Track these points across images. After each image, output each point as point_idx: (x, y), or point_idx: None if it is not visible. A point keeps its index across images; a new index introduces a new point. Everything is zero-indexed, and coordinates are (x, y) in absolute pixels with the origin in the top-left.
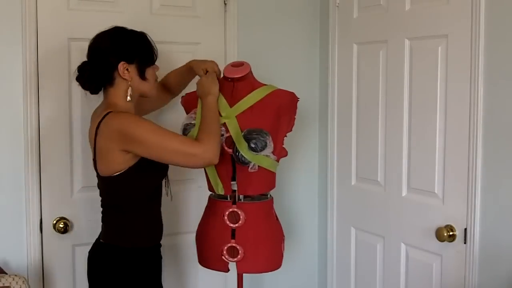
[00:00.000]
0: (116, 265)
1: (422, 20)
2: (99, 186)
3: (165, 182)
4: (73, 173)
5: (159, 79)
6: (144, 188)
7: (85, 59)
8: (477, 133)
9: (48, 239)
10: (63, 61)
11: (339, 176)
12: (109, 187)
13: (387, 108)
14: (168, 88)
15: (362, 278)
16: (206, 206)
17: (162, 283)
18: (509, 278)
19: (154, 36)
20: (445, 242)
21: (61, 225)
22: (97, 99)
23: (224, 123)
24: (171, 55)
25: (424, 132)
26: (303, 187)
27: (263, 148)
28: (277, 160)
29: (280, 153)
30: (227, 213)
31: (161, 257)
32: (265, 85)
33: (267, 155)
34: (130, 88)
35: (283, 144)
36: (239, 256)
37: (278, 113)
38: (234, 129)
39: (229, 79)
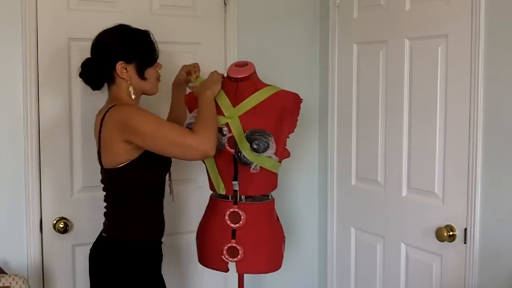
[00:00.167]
0: (119, 258)
1: (422, 20)
2: (103, 180)
3: (169, 181)
4: (73, 173)
5: (163, 76)
6: (147, 182)
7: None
8: (477, 133)
9: (48, 239)
10: (63, 61)
11: (339, 176)
12: (113, 179)
13: (387, 108)
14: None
15: (362, 278)
16: (207, 206)
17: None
18: (509, 278)
19: (154, 36)
20: (445, 242)
21: (61, 225)
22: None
23: (227, 123)
24: (171, 55)
25: (424, 132)
26: (303, 187)
27: (265, 149)
28: (279, 161)
29: (282, 154)
30: (228, 213)
31: (162, 255)
32: (269, 85)
33: (269, 156)
34: (131, 86)
35: (285, 145)
36: (239, 256)
37: (281, 114)
38: (236, 130)
39: (233, 79)
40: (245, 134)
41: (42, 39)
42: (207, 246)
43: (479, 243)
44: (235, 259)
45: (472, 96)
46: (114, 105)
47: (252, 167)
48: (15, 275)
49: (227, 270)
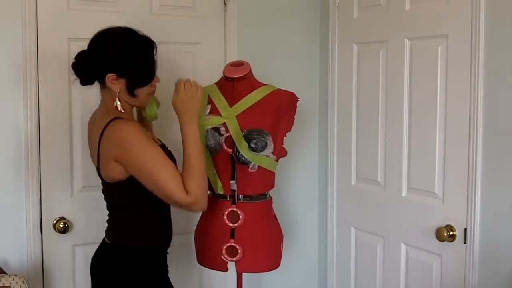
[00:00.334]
0: (123, 265)
1: (422, 20)
2: (104, 190)
3: None
4: (73, 173)
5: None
6: (150, 193)
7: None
8: (477, 133)
9: (48, 239)
10: (63, 61)
11: (339, 176)
12: (114, 191)
13: (387, 108)
14: None
15: (362, 278)
16: None
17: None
18: (509, 278)
19: (154, 36)
20: (445, 242)
21: (61, 225)
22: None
23: (224, 123)
24: (171, 55)
25: (424, 132)
26: (303, 187)
27: (263, 148)
28: (277, 160)
29: (280, 153)
30: (226, 212)
31: (166, 265)
32: (265, 85)
33: (267, 155)
34: (117, 100)
35: (282, 144)
36: (238, 256)
37: (278, 113)
38: (234, 129)
39: (229, 79)
40: (243, 133)
41: (42, 39)
42: (206, 246)
43: (479, 243)
44: (234, 258)
45: (472, 96)
46: (113, 119)
47: (250, 167)
48: (15, 275)
49: (226, 269)
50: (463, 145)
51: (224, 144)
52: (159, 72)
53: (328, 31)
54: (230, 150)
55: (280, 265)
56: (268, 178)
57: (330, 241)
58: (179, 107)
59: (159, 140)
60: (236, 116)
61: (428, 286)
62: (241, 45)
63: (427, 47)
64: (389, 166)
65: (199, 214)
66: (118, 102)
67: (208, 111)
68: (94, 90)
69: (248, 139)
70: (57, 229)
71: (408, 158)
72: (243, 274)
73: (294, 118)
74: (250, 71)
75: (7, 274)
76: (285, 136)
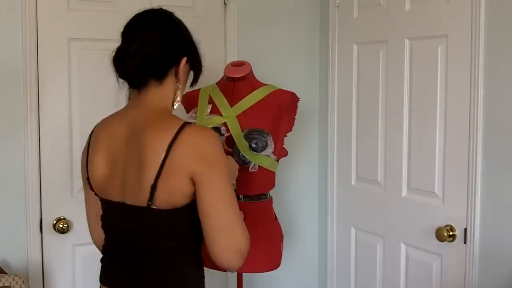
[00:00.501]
0: None
1: (422, 20)
2: (134, 224)
3: None
4: (73, 173)
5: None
6: (199, 229)
7: (86, 59)
8: (477, 133)
9: (48, 239)
10: (63, 61)
11: (339, 176)
12: (165, 223)
13: (387, 108)
14: None
15: (362, 278)
16: None
17: None
18: (509, 278)
19: None
20: (445, 242)
21: (61, 225)
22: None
23: (225, 122)
24: None
25: (424, 132)
26: (303, 187)
27: (264, 148)
28: (277, 160)
29: (280, 153)
30: None
31: None
32: (266, 85)
33: (267, 155)
34: (179, 91)
35: (283, 144)
36: None
37: (279, 113)
38: (234, 129)
39: (230, 79)
40: (243, 133)
41: (42, 39)
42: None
43: (479, 243)
44: None
45: (472, 96)
46: (187, 125)
47: (250, 166)
48: (15, 275)
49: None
50: (463, 145)
51: (224, 144)
52: None
53: (328, 31)
54: (230, 150)
55: (280, 265)
56: (268, 178)
57: (330, 241)
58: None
59: None
60: (236, 116)
61: (428, 286)
62: (241, 45)
63: (427, 47)
64: (389, 166)
65: None
66: (179, 98)
67: (209, 111)
68: (93, 90)
69: (248, 139)
70: (57, 229)
71: (408, 158)
72: (243, 274)
73: (295, 118)
74: (251, 71)
75: (7, 274)
76: (286, 136)
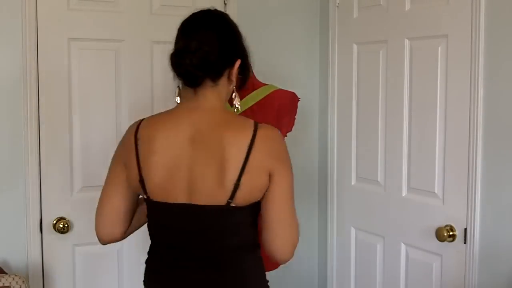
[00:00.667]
0: None
1: (422, 20)
2: (209, 223)
3: None
4: (73, 173)
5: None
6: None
7: (86, 59)
8: (477, 133)
9: (48, 239)
10: (63, 61)
11: (339, 176)
12: (242, 220)
13: (387, 108)
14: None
15: (362, 278)
16: None
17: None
18: (509, 278)
19: (154, 36)
20: (445, 242)
21: (61, 225)
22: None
23: None
24: None
25: (424, 132)
26: (303, 187)
27: None
28: None
29: None
30: None
31: None
32: (266, 85)
33: None
34: (235, 93)
35: None
36: None
37: (279, 113)
38: None
39: None
40: None
41: (42, 39)
42: None
43: (479, 243)
44: None
45: (472, 96)
46: (259, 124)
47: None
48: (15, 275)
49: None
50: (463, 145)
51: None
52: (160, 73)
53: (328, 31)
54: None
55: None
56: None
57: (330, 241)
58: None
59: None
60: None
61: (428, 286)
62: None
63: (427, 47)
64: (389, 166)
65: None
66: (238, 101)
67: None
68: (93, 90)
69: None
70: (57, 229)
71: (408, 158)
72: None
73: (295, 118)
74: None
75: (7, 274)
76: (286, 136)
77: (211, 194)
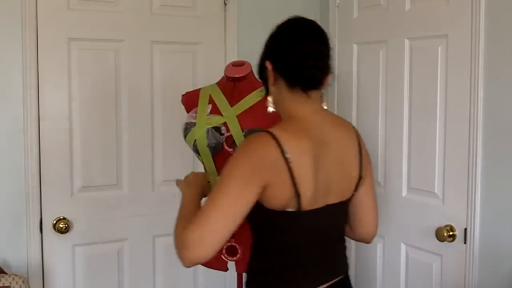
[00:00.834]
0: None
1: (422, 20)
2: (339, 218)
3: None
4: (73, 173)
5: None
6: None
7: (86, 59)
8: (477, 133)
9: (48, 239)
10: (63, 61)
11: None
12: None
13: (387, 108)
14: None
15: (362, 278)
16: None
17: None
18: (509, 278)
19: (154, 36)
20: (445, 242)
21: (61, 225)
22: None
23: (225, 122)
24: (171, 55)
25: (424, 132)
26: None
27: None
28: None
29: None
30: None
31: None
32: None
33: None
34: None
35: None
36: (238, 256)
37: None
38: (235, 129)
39: (230, 79)
40: (244, 133)
41: (42, 39)
42: None
43: (479, 243)
44: (234, 258)
45: (472, 96)
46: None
47: None
48: (15, 275)
49: (226, 269)
50: (463, 145)
51: (225, 143)
52: (160, 73)
53: (328, 31)
54: (231, 150)
55: None
56: None
57: None
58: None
59: None
60: (237, 116)
61: (428, 286)
62: (241, 45)
63: (427, 47)
64: (389, 166)
65: None
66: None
67: (209, 110)
68: (93, 90)
69: None
70: (57, 229)
71: (408, 158)
72: (243, 274)
73: None
74: (251, 71)
75: (7, 274)
76: None
77: (342, 190)
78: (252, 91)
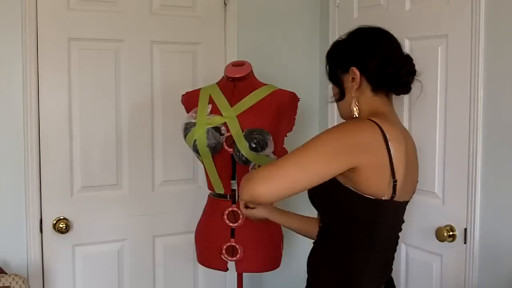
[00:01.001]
0: None
1: (422, 20)
2: (403, 218)
3: None
4: (73, 173)
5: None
6: None
7: (86, 59)
8: (477, 133)
9: (48, 239)
10: (63, 61)
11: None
12: None
13: None
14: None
15: None
16: (206, 205)
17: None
18: (509, 278)
19: (154, 36)
20: (445, 242)
21: (61, 225)
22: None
23: (225, 122)
24: (171, 55)
25: (424, 132)
26: None
27: (263, 148)
28: None
29: (280, 153)
30: (226, 212)
31: None
32: (266, 85)
33: (267, 155)
34: None
35: (283, 144)
36: (238, 256)
37: (279, 113)
38: (235, 129)
39: (230, 79)
40: (244, 133)
41: (42, 39)
42: (206, 245)
43: (479, 243)
44: (234, 258)
45: (472, 96)
46: None
47: (250, 166)
48: (15, 275)
49: (226, 269)
50: (463, 145)
51: (224, 143)
52: (160, 73)
53: (328, 31)
54: (230, 150)
55: (281, 265)
56: None
57: None
58: None
59: None
60: (237, 116)
61: (428, 286)
62: (241, 45)
63: (427, 47)
64: None
65: (200, 214)
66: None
67: (209, 110)
68: (93, 90)
69: (248, 139)
70: (57, 229)
71: None
72: (243, 274)
73: (295, 118)
74: (251, 71)
75: (7, 274)
76: (286, 136)
77: (411, 191)
78: (252, 91)
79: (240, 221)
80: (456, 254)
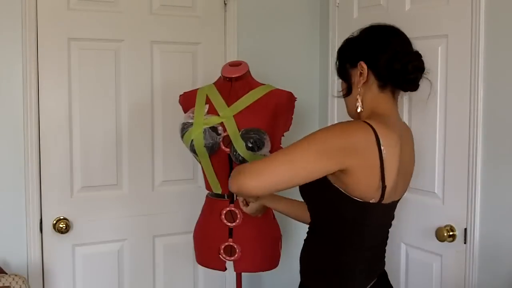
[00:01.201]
0: None
1: (422, 20)
2: (392, 217)
3: None
4: (73, 173)
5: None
6: None
7: (86, 59)
8: (477, 133)
9: (48, 239)
10: (63, 61)
11: None
12: None
13: None
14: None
15: None
16: (204, 205)
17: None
18: (509, 278)
19: (154, 36)
20: (445, 242)
21: (61, 225)
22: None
23: (222, 122)
24: (171, 55)
25: (424, 132)
26: None
27: (260, 148)
28: None
29: None
30: (224, 212)
31: None
32: (263, 84)
33: (264, 155)
34: None
35: (280, 144)
36: (236, 255)
37: (276, 113)
38: (231, 129)
39: (227, 79)
40: (240, 133)
41: (42, 39)
42: (204, 245)
43: (479, 243)
44: (232, 258)
45: (472, 96)
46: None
47: None
48: (15, 275)
49: (225, 269)
50: (463, 145)
51: (221, 143)
52: (160, 73)
53: (328, 31)
54: (227, 150)
55: (279, 264)
56: None
57: None
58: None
59: None
60: (233, 116)
61: (428, 286)
62: (241, 45)
63: (427, 47)
64: None
65: (199, 214)
66: None
67: (206, 110)
68: (93, 90)
69: (245, 139)
70: (57, 229)
71: None
72: (242, 273)
73: (292, 118)
74: (248, 71)
75: (7, 274)
76: (283, 135)
77: (403, 190)
78: (249, 91)
79: (238, 221)
80: (456, 254)
